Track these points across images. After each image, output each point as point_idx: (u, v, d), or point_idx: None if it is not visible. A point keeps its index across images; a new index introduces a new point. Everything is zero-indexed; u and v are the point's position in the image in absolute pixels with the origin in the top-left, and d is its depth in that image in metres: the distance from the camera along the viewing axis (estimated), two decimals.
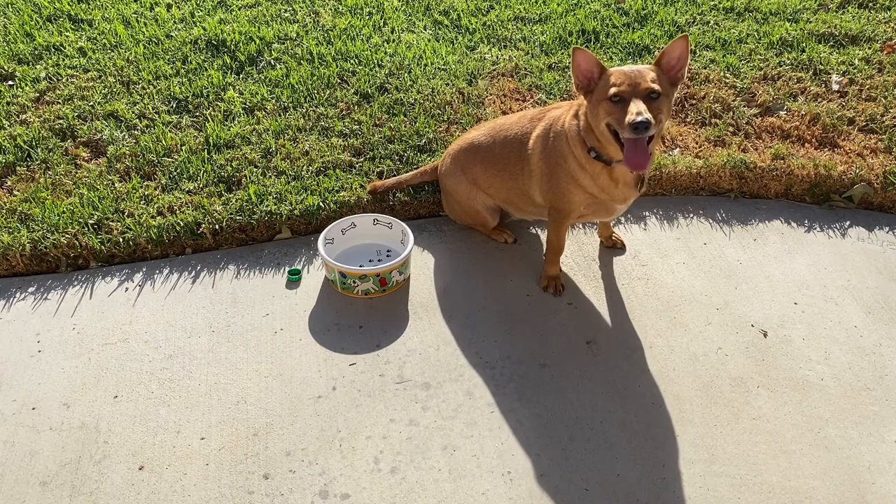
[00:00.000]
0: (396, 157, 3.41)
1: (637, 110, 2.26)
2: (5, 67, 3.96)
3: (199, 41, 4.20)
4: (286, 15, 4.49)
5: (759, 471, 2.30)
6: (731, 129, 3.59)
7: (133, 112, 3.67)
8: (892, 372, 2.61)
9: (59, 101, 3.74)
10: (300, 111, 3.68)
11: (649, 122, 2.25)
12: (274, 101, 3.75)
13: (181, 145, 3.45)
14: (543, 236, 3.16)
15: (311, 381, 2.56)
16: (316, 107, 3.70)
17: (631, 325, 2.77)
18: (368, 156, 3.42)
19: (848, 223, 3.24)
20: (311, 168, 3.33)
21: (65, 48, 4.13)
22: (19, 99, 3.74)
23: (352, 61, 4.04)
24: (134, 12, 4.50)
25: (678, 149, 3.49)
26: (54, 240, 2.98)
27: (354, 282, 2.83)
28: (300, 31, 4.32)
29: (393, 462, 2.31)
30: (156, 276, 2.96)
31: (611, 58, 4.07)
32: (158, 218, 3.08)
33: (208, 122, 3.59)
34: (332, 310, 2.83)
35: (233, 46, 4.15)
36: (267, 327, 2.75)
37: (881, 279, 2.97)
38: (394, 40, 4.25)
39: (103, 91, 3.80)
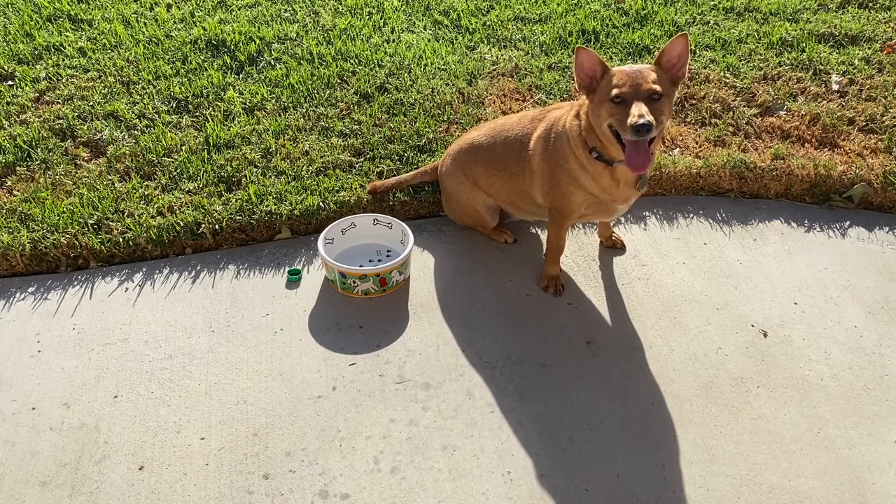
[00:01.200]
0: (396, 157, 3.41)
1: (639, 112, 2.25)
2: (5, 67, 3.96)
3: (198, 41, 4.20)
4: (286, 15, 4.49)
5: (758, 471, 2.30)
6: (731, 129, 3.59)
7: (133, 112, 3.66)
8: (892, 372, 2.61)
9: (59, 101, 3.74)
10: (300, 111, 3.68)
11: (651, 125, 2.25)
12: (274, 101, 3.75)
13: (181, 145, 3.45)
14: (543, 236, 3.16)
15: (311, 381, 2.56)
16: (316, 107, 3.70)
17: (631, 325, 2.77)
18: (368, 156, 3.42)
19: (848, 223, 3.24)
20: (311, 168, 3.33)
21: (65, 48, 4.13)
22: (19, 99, 3.74)
23: (352, 61, 4.04)
24: (134, 12, 4.50)
25: (678, 149, 3.49)
26: (54, 240, 2.98)
27: (354, 282, 2.82)
28: (300, 31, 4.32)
29: (393, 462, 2.31)
30: (156, 276, 2.96)
31: (611, 58, 4.07)
32: (158, 218, 3.08)
33: (208, 122, 3.59)
34: (332, 310, 2.83)
35: (233, 46, 4.15)
36: (267, 327, 2.75)
37: (881, 279, 2.97)
38: (394, 40, 4.25)
39: (103, 91, 3.80)
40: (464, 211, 3.07)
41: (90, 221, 3.06)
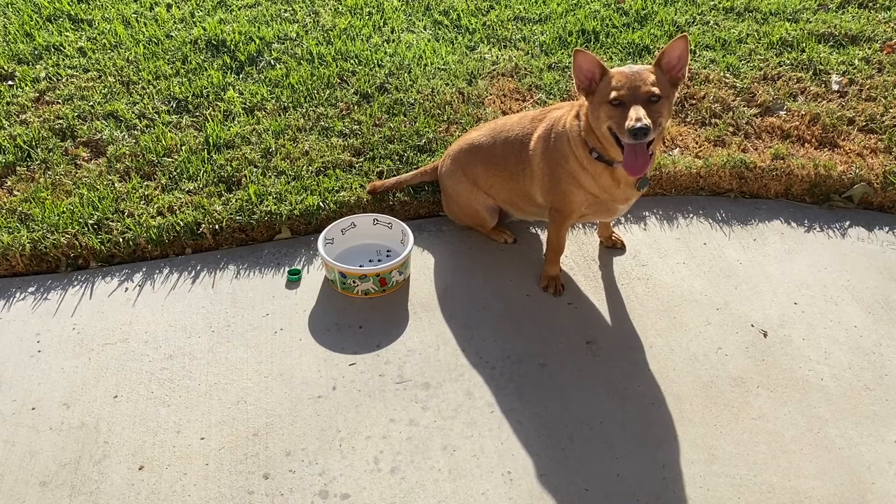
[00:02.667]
0: (396, 157, 3.41)
1: (636, 116, 2.25)
2: (5, 67, 3.96)
3: (198, 41, 4.20)
4: (286, 15, 4.49)
5: (758, 471, 2.30)
6: (730, 129, 3.59)
7: (133, 112, 3.67)
8: (892, 372, 2.61)
9: (59, 101, 3.74)
10: (300, 111, 3.68)
11: (648, 128, 2.25)
12: (274, 101, 3.75)
13: (181, 145, 3.45)
14: (543, 236, 3.16)
15: (311, 380, 2.56)
16: (316, 107, 3.71)
17: (631, 324, 2.77)
18: (368, 156, 3.42)
19: (848, 223, 3.24)
20: (310, 168, 3.33)
21: (65, 48, 4.13)
22: (19, 99, 3.74)
23: (352, 61, 4.04)
24: (134, 12, 4.50)
25: (678, 149, 3.49)
26: (54, 240, 2.98)
27: (354, 282, 2.83)
28: (300, 31, 4.32)
29: (393, 462, 2.31)
30: (156, 276, 2.96)
31: (611, 58, 4.07)
32: (158, 218, 3.08)
33: (208, 122, 3.59)
34: (332, 310, 2.83)
35: (233, 46, 4.15)
36: (267, 327, 2.75)
37: (881, 279, 2.97)
38: (394, 40, 4.25)
39: (103, 91, 3.80)
40: (463, 211, 3.08)
41: (90, 221, 3.06)
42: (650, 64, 2.43)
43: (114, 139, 3.48)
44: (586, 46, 4.16)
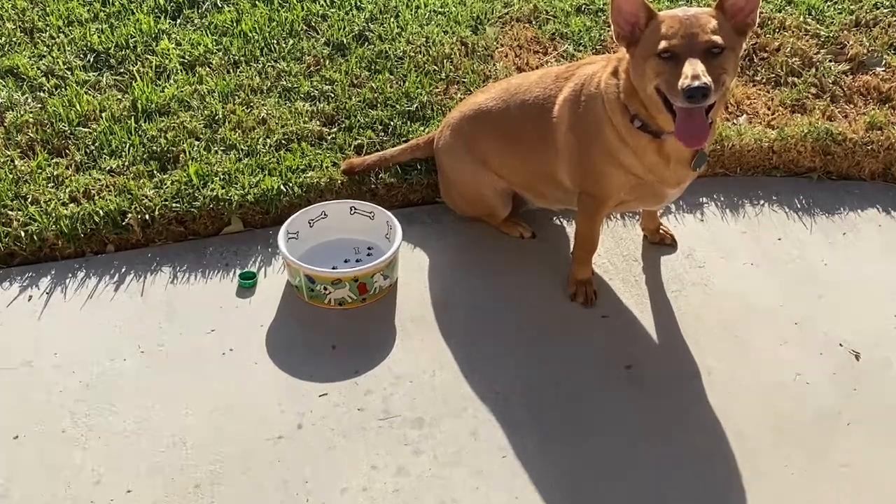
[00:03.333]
0: (380, 127, 3.41)
1: (693, 73, 2.25)
2: None
3: None
4: None
5: None
6: (813, 90, 3.60)
7: (38, 68, 3.66)
8: None
9: None
10: (255, 67, 3.68)
11: (708, 88, 2.25)
12: (221, 53, 3.75)
13: (101, 111, 3.45)
14: (570, 229, 3.16)
15: (270, 416, 2.56)
16: (275, 61, 3.71)
17: (683, 344, 2.78)
18: (344, 125, 3.42)
19: None
20: (269, 141, 3.33)
21: None
22: None
23: (322, 2, 4.04)
24: None
25: (745, 116, 3.49)
26: None
27: (326, 288, 2.83)
28: None
29: None
30: (68, 280, 2.96)
31: None
32: (71, 205, 3.08)
33: (136, 81, 3.59)
34: (297, 325, 2.83)
35: None
36: (212, 347, 2.76)
37: None
38: None
39: None
40: (467, 197, 3.08)
41: None
42: (710, 6, 2.43)
43: (13, 103, 3.48)
44: None
